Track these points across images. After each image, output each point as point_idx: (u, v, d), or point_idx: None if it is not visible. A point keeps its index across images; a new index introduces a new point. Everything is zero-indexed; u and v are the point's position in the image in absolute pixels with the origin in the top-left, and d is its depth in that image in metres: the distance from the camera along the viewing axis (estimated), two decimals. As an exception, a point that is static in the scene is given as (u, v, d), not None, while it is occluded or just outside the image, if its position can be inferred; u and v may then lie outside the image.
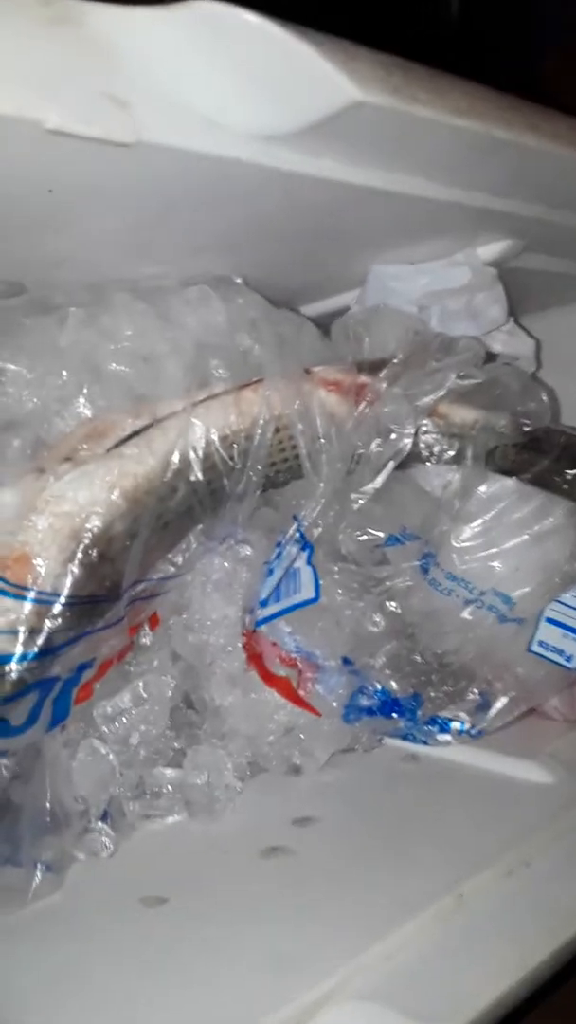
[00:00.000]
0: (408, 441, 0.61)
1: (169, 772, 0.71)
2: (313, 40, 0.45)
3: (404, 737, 0.67)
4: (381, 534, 0.65)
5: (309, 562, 0.65)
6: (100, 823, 0.67)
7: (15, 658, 0.55)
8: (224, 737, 0.71)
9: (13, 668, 0.55)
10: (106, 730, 0.68)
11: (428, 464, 0.67)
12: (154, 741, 0.70)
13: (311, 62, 0.45)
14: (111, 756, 0.68)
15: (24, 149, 0.43)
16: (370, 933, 0.51)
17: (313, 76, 0.45)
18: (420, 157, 0.56)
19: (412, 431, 0.61)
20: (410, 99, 0.49)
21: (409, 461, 0.65)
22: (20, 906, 0.61)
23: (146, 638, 0.71)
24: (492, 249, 0.75)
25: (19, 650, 0.55)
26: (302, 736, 0.72)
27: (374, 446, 0.62)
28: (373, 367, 0.66)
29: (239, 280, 0.71)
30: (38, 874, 0.63)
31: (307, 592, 0.65)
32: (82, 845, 0.66)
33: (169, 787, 0.71)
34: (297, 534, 0.62)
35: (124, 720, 0.69)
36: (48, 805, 0.65)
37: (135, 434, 0.60)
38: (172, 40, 0.44)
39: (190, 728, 0.73)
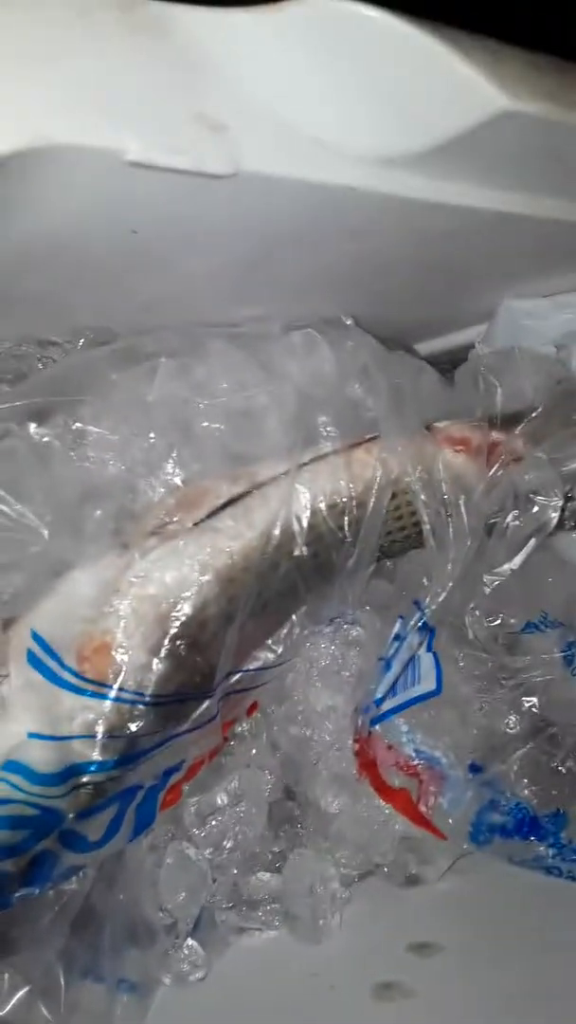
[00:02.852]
0: (555, 515, 0.51)
1: (267, 878, 0.63)
2: (449, 38, 0.37)
3: (548, 870, 0.56)
4: (516, 620, 0.55)
5: (430, 648, 0.56)
6: (190, 940, 0.59)
7: (93, 766, 0.47)
8: (329, 839, 0.62)
9: (91, 778, 0.48)
10: (196, 832, 0.60)
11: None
12: (250, 844, 0.61)
13: (448, 65, 0.36)
14: (202, 862, 0.60)
15: (102, 185, 0.36)
16: None
17: (451, 82, 0.37)
18: (573, 173, 0.47)
19: (560, 502, 0.51)
20: (569, 105, 0.40)
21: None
22: (101, 1038, 0.54)
23: (242, 725, 0.63)
24: None
25: (98, 756, 0.48)
26: (421, 839, 0.62)
27: (510, 518, 0.52)
28: (507, 421, 0.56)
29: (349, 321, 0.63)
30: (121, 997, 0.56)
31: (427, 683, 0.56)
32: (168, 966, 0.58)
33: (267, 896, 0.62)
34: (419, 624, 0.53)
35: (217, 821, 0.60)
36: (131, 918, 0.58)
37: (231, 502, 0.53)
38: (276, 47, 0.37)
39: (291, 825, 0.64)
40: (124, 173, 0.35)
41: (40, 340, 0.59)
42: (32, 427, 0.51)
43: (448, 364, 0.70)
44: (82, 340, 0.59)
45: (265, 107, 0.38)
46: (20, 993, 0.53)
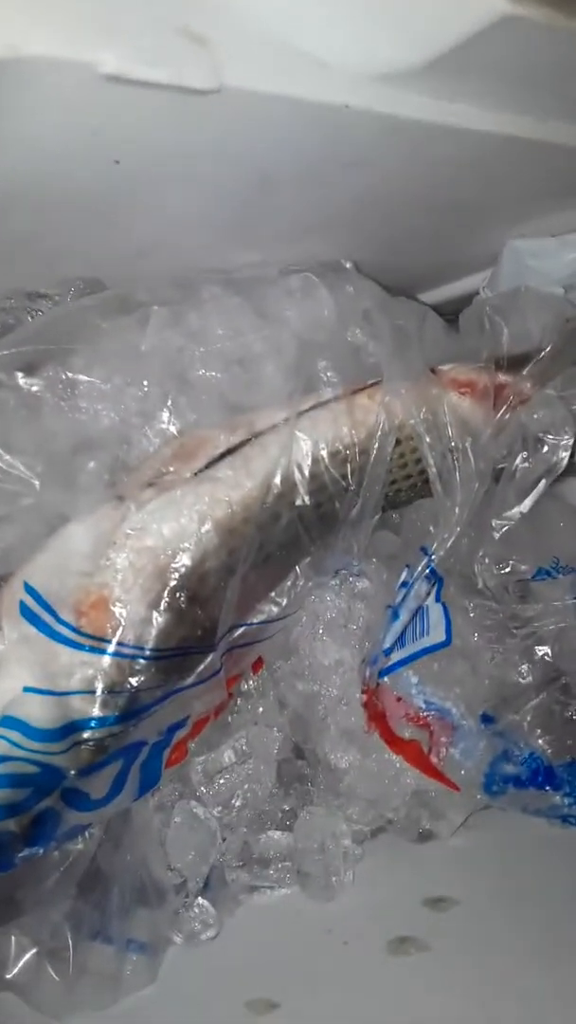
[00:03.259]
0: (565, 454, 0.50)
1: (278, 836, 0.62)
2: None
3: (564, 819, 0.55)
4: (527, 567, 0.53)
5: (438, 598, 0.55)
6: (200, 899, 0.58)
7: (94, 722, 0.46)
8: (340, 796, 0.62)
9: (92, 734, 0.46)
10: (204, 790, 0.59)
11: (586, 478, 0.55)
12: (260, 802, 0.61)
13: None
14: (211, 820, 0.59)
15: (77, 103, 0.34)
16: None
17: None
18: (580, 93, 0.44)
19: (570, 441, 0.49)
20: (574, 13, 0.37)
21: (562, 475, 0.53)
22: (112, 999, 0.53)
23: (248, 682, 0.61)
24: None
25: (98, 712, 0.46)
26: (433, 794, 0.61)
27: (519, 461, 0.50)
28: (514, 363, 0.54)
29: (349, 265, 0.61)
30: (131, 957, 0.55)
31: (436, 635, 0.54)
32: (179, 925, 0.58)
33: (278, 854, 0.61)
34: (427, 570, 0.51)
35: (225, 779, 0.60)
36: (140, 878, 0.57)
37: (229, 452, 0.51)
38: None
39: (301, 783, 0.64)
40: (101, 89, 0.33)
41: (28, 292, 0.58)
42: (20, 377, 0.50)
43: (452, 315, 0.67)
44: (71, 291, 0.57)
45: (252, 20, 0.36)
46: (28, 955, 0.52)
